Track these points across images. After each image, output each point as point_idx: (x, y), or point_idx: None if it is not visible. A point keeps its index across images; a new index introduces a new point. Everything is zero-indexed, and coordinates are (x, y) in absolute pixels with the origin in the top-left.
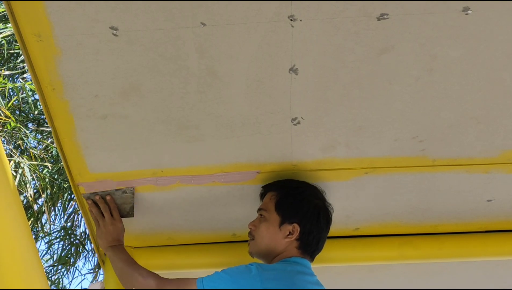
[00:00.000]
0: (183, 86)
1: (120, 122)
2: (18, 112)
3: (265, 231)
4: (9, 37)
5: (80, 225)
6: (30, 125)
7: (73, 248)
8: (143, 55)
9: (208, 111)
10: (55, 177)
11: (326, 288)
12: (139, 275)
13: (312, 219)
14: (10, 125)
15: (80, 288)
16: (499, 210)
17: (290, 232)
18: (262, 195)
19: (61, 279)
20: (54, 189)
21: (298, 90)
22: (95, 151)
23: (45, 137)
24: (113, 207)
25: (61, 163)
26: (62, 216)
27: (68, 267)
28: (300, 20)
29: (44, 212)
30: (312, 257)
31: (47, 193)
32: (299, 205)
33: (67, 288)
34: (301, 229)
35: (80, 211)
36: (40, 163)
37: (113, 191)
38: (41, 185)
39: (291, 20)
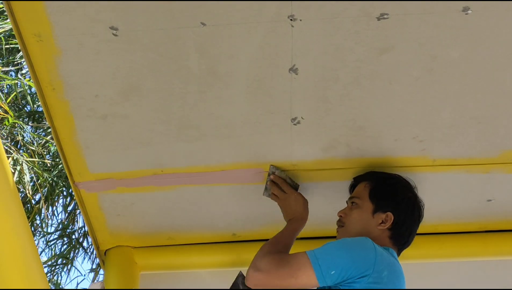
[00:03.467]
0: (184, 86)
1: (120, 122)
2: (19, 107)
3: (357, 217)
4: (4, 33)
5: (79, 221)
6: (29, 121)
7: (71, 239)
8: (143, 55)
9: (208, 111)
10: (55, 178)
11: None
12: (272, 257)
13: (407, 210)
14: (9, 121)
15: (80, 288)
16: (499, 210)
17: (383, 220)
18: (352, 187)
19: (59, 276)
20: (55, 190)
21: (298, 90)
22: (95, 151)
23: (41, 134)
24: (281, 182)
25: (61, 161)
26: (61, 213)
27: (67, 265)
28: (300, 20)
29: (43, 209)
30: (400, 251)
31: (45, 190)
32: (393, 195)
33: (67, 289)
34: (395, 219)
35: (79, 210)
36: (39, 159)
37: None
38: (39, 183)
39: (291, 20)
